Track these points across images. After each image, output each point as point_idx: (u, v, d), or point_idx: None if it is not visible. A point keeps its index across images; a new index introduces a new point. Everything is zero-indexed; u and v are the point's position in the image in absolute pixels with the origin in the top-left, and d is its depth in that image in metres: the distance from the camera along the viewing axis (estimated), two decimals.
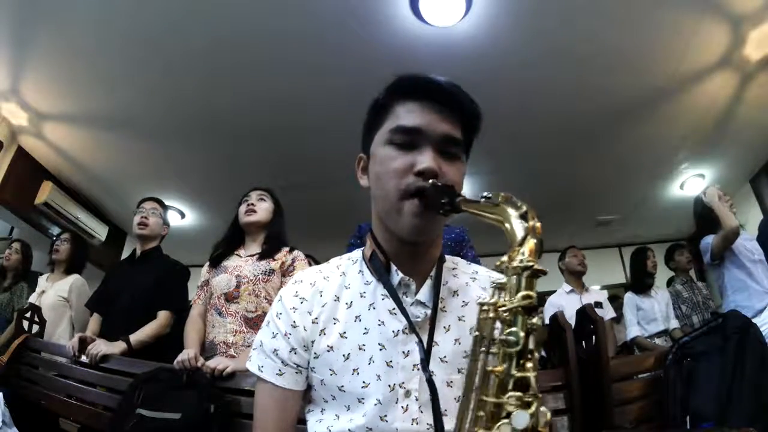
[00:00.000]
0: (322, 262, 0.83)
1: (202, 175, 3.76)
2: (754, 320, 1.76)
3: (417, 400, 0.64)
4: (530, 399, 0.44)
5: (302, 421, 0.75)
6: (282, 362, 0.69)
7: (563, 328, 1.43)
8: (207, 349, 1.72)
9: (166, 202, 2.40)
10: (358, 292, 0.71)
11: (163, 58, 2.57)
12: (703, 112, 3.10)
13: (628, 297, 3.14)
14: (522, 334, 0.45)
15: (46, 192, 3.57)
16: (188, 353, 1.54)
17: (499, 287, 0.50)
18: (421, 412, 0.64)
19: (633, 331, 3.01)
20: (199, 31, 2.39)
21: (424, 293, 0.69)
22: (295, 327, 0.69)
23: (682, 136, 3.37)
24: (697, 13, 2.35)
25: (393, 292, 0.68)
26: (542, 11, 2.31)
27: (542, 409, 0.44)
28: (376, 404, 0.64)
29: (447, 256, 0.77)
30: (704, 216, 2.55)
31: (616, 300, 3.64)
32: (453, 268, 0.76)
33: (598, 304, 3.02)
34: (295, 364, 0.69)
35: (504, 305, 0.47)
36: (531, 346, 0.46)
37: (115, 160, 3.55)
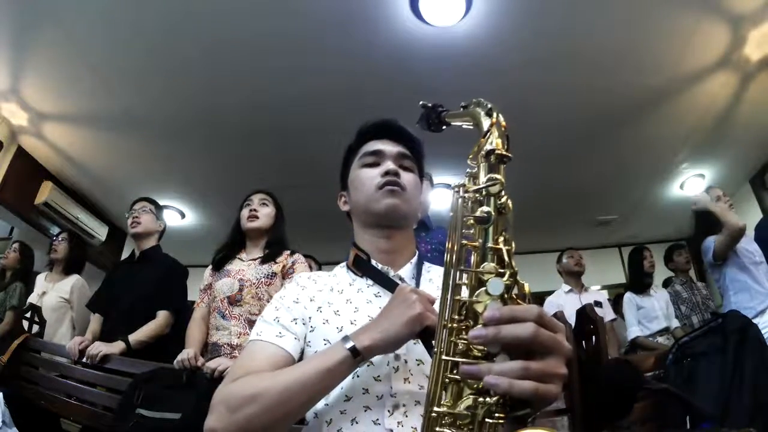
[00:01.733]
0: (323, 262, 0.87)
1: (202, 175, 3.76)
2: (755, 321, 1.76)
3: (407, 362, 0.70)
4: (504, 270, 0.47)
5: (301, 421, 0.75)
6: (283, 327, 0.74)
7: None
8: (211, 351, 1.73)
9: (167, 202, 2.40)
10: (347, 282, 0.83)
11: (164, 59, 2.57)
12: (703, 112, 3.10)
13: (628, 297, 3.14)
14: (493, 211, 0.49)
15: (46, 192, 3.57)
16: (188, 353, 1.54)
17: (471, 175, 0.54)
18: (411, 374, 0.69)
19: (633, 331, 3.01)
20: (199, 32, 2.39)
21: (405, 271, 0.82)
22: (297, 302, 0.78)
23: (682, 136, 3.37)
24: (697, 13, 2.35)
25: (378, 274, 0.79)
26: (542, 11, 2.31)
27: (519, 280, 0.47)
28: (369, 366, 0.68)
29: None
30: (702, 218, 2.55)
31: (619, 300, 3.64)
32: (428, 269, 0.87)
33: (598, 304, 3.02)
34: (294, 332, 0.74)
35: (471, 187, 0.53)
36: (502, 224, 0.50)
37: (115, 160, 3.55)
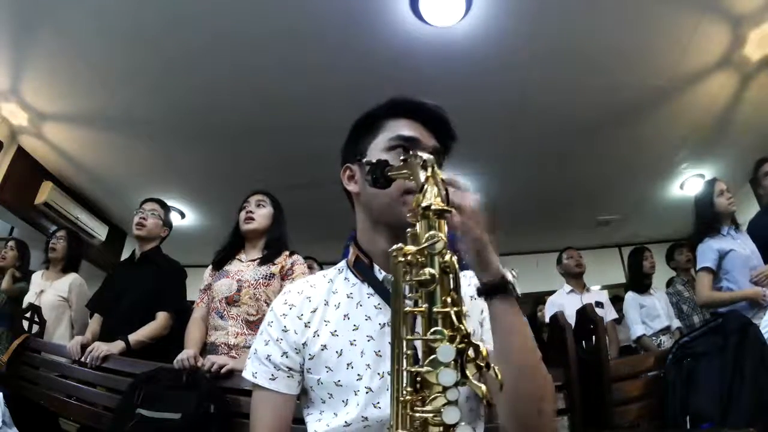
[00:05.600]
0: (324, 263, 0.84)
1: (202, 175, 3.76)
2: (754, 321, 1.75)
3: None
4: (454, 333, 0.44)
5: (300, 421, 0.76)
6: (274, 367, 0.73)
7: (563, 328, 1.44)
8: (208, 351, 1.73)
9: (167, 203, 2.40)
10: (345, 294, 0.76)
11: (163, 58, 2.57)
12: (703, 112, 3.10)
13: (630, 296, 3.14)
14: (436, 272, 0.46)
15: (46, 192, 3.57)
16: (188, 353, 1.55)
17: (412, 234, 0.51)
18: None
19: (638, 330, 2.99)
20: (199, 31, 2.39)
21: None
22: (285, 331, 0.74)
23: (682, 136, 3.37)
24: (697, 13, 2.35)
25: (379, 286, 0.73)
26: (542, 11, 2.31)
27: (472, 340, 0.45)
28: (368, 392, 0.67)
29: None
30: (702, 217, 2.50)
31: (618, 301, 3.64)
32: None
33: (599, 305, 3.02)
34: (287, 367, 0.73)
35: (410, 250, 0.49)
36: (450, 284, 0.47)
37: (115, 160, 3.55)
